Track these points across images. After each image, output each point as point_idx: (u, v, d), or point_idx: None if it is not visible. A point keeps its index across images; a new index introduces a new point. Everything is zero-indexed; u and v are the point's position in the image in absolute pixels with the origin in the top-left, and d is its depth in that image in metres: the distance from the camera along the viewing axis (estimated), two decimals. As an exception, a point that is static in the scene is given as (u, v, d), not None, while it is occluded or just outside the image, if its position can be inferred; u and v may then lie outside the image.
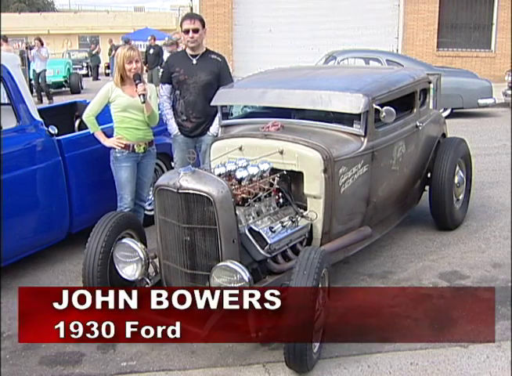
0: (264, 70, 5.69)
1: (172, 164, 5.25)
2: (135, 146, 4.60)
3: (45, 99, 15.55)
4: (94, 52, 25.92)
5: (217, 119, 4.88)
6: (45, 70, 15.58)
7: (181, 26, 5.04)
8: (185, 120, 4.99)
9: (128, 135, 4.58)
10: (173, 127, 5.05)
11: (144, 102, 4.46)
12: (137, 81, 4.46)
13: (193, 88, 4.91)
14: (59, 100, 12.97)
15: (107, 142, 4.62)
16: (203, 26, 4.96)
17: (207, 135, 5.00)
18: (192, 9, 27.58)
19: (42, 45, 15.44)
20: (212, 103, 4.69)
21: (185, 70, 4.93)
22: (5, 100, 4.48)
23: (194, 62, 4.96)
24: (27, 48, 17.27)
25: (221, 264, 3.12)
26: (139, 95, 4.44)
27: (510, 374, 3.16)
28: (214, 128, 4.95)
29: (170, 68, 5.05)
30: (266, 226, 3.59)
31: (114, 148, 4.59)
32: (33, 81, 15.69)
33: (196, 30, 4.86)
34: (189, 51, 5.00)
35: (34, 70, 15.72)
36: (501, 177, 7.00)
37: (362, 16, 17.79)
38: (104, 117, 4.90)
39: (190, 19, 4.92)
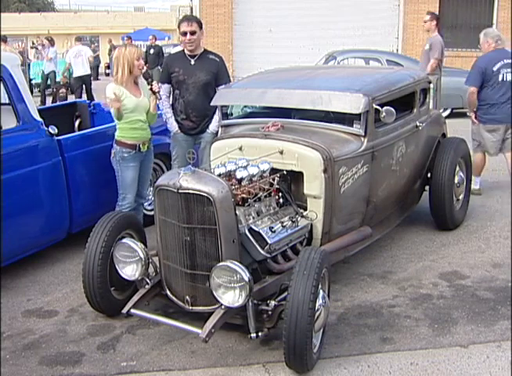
0: (264, 70, 5.70)
1: (171, 161, 5.28)
2: (141, 146, 4.62)
3: (48, 101, 14.72)
4: (94, 55, 26.02)
5: (216, 117, 4.98)
6: (53, 72, 14.75)
7: (178, 28, 5.14)
8: (184, 119, 5.10)
9: (135, 135, 4.59)
10: (173, 125, 5.17)
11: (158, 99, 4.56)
12: (149, 80, 4.49)
13: (193, 87, 5.02)
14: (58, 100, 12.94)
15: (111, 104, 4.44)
16: (201, 27, 5.07)
17: (206, 132, 5.13)
18: (192, 9, 27.58)
19: (53, 45, 14.59)
20: (212, 103, 4.74)
21: (184, 70, 5.03)
22: (6, 100, 4.48)
23: (192, 62, 5.06)
24: (31, 47, 16.74)
25: (221, 264, 3.12)
26: (155, 93, 4.52)
27: (510, 374, 3.16)
28: (214, 125, 5.07)
29: (169, 68, 5.15)
30: (266, 226, 3.58)
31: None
32: (38, 81, 15.29)
33: (193, 33, 4.98)
34: (187, 51, 5.10)
35: (42, 71, 15.25)
36: (501, 177, 6.99)
37: (362, 16, 17.73)
38: (103, 117, 4.90)
39: (188, 22, 5.02)
